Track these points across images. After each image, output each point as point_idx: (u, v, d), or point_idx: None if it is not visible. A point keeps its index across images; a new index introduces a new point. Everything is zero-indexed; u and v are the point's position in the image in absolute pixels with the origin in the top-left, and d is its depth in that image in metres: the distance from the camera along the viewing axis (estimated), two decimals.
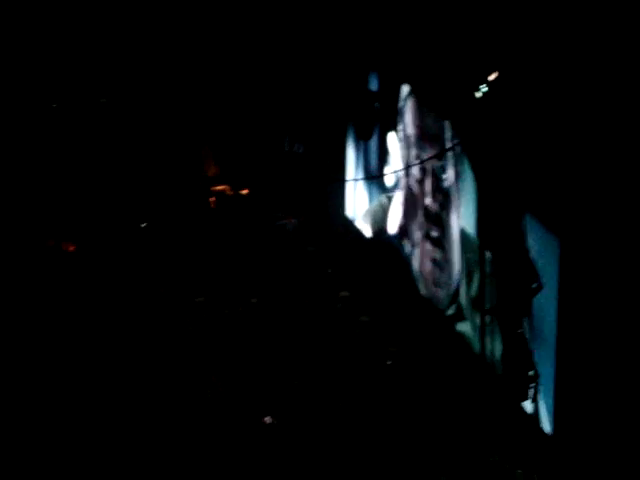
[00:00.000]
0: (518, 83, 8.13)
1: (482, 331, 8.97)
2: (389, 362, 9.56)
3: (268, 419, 8.53)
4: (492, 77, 8.59)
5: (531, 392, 8.49)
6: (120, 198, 11.90)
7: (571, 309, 7.90)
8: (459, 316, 9.61)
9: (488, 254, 8.78)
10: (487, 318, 8.86)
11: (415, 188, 10.33)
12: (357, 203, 11.78)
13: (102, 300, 10.29)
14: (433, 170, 9.96)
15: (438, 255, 10.05)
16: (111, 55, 12.28)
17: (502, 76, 8.28)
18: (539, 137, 7.95)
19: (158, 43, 12.23)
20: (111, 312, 10.06)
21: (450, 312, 9.69)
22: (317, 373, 9.22)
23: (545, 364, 8.28)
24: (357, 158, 11.71)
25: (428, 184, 10.11)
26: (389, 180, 10.90)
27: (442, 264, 9.97)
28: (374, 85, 11.01)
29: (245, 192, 12.13)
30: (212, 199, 12.09)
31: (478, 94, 8.58)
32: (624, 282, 7.30)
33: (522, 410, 8.41)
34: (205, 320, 10.11)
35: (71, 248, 11.22)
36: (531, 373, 8.50)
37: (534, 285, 8.50)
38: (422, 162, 10.08)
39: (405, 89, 10.27)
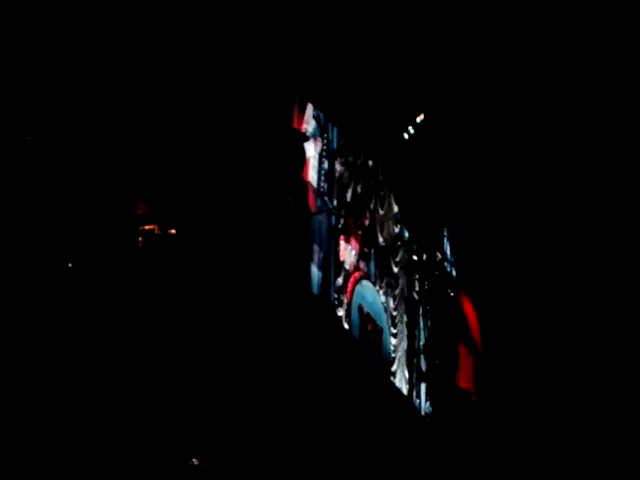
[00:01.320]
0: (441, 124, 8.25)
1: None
2: None
3: None
4: (419, 119, 8.71)
5: None
6: (46, 237, 11.73)
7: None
8: None
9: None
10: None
11: None
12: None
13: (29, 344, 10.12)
14: None
15: None
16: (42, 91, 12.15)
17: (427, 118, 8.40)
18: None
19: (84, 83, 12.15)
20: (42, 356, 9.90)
21: None
22: None
23: None
24: None
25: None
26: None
27: None
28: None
29: (173, 231, 12.05)
30: (140, 239, 11.98)
31: (406, 135, 8.68)
32: None
33: None
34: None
35: None
36: None
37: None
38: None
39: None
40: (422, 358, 9.43)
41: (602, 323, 7.77)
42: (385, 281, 10.22)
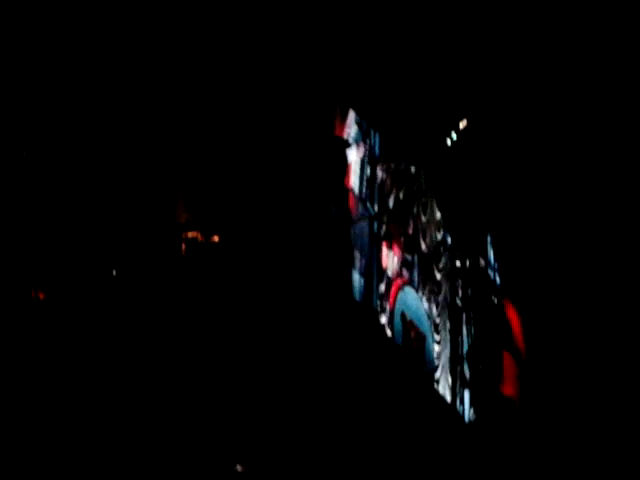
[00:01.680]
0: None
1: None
2: None
3: None
4: (462, 125, 8.68)
5: None
6: (91, 245, 11.84)
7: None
8: None
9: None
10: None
11: None
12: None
13: (72, 350, 10.23)
14: None
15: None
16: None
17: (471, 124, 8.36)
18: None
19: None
20: (82, 363, 10.00)
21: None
22: None
23: None
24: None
25: None
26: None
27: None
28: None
29: (216, 239, 12.11)
30: (183, 246, 12.05)
31: (448, 141, 8.65)
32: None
33: None
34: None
35: (41, 296, 11.13)
36: None
37: None
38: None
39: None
40: (465, 365, 9.36)
41: None
42: (428, 288, 10.18)
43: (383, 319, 10.64)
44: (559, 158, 7.82)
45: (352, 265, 11.06)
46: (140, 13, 11.61)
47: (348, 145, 10.89)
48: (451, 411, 9.22)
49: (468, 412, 9.24)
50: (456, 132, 8.90)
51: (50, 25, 11.64)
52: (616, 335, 7.14)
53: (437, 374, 9.76)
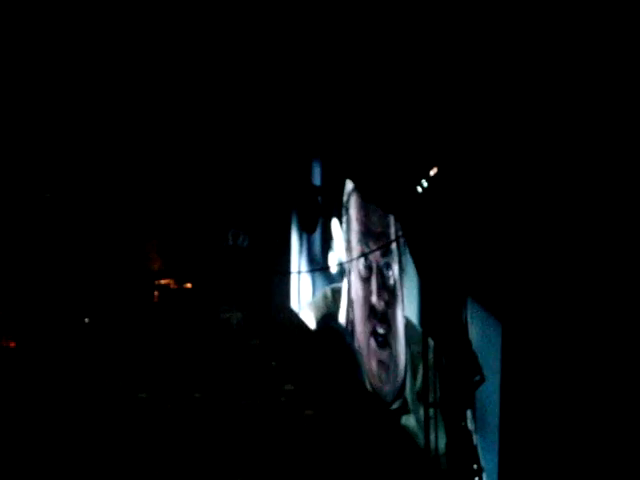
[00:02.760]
0: (457, 177, 8.28)
1: (426, 424, 8.96)
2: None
3: None
4: (432, 172, 8.75)
5: None
6: (63, 292, 11.81)
7: (514, 401, 7.95)
8: (404, 409, 9.60)
9: (432, 346, 8.84)
10: (431, 411, 8.86)
11: (361, 285, 10.36)
12: (302, 295, 11.82)
13: (42, 397, 10.14)
14: (378, 267, 10.03)
15: (384, 353, 10.07)
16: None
17: (442, 171, 8.45)
18: (479, 225, 8.08)
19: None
20: (51, 410, 9.91)
21: (395, 406, 9.68)
22: (261, 469, 9.15)
23: (489, 457, 8.30)
24: (301, 250, 11.80)
25: (374, 282, 10.16)
26: (333, 272, 10.98)
27: (388, 361, 9.99)
28: (317, 178, 11.16)
29: (189, 285, 12.13)
30: (156, 293, 12.06)
31: (419, 188, 8.71)
32: (565, 370, 7.39)
33: None
34: (147, 416, 10.00)
35: (12, 344, 11.07)
36: (475, 467, 8.51)
37: (477, 378, 8.55)
38: (366, 254, 10.16)
39: (349, 184, 10.42)
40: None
41: None
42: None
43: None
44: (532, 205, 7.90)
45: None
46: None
47: (320, 194, 10.99)
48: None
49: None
50: (427, 179, 8.97)
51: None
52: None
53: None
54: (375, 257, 10.03)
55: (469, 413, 8.78)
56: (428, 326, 9.14)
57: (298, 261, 11.82)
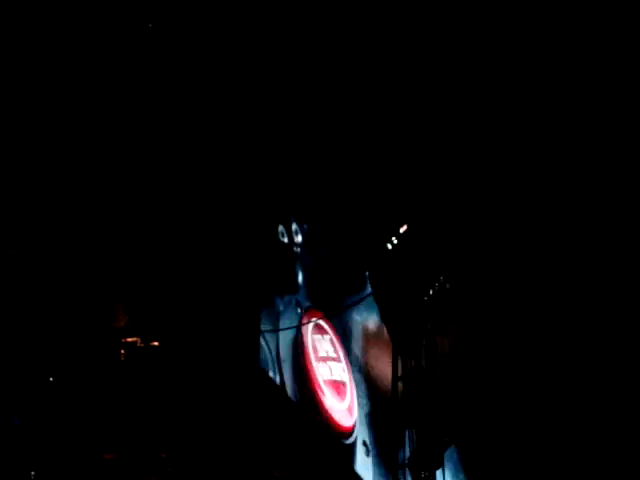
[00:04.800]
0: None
1: None
2: None
3: None
4: (402, 229, 8.81)
5: None
6: (27, 350, 11.63)
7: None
8: None
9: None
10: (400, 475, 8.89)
11: None
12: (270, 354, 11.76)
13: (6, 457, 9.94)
14: None
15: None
16: None
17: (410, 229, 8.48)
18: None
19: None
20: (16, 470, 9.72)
21: None
22: None
23: None
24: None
25: None
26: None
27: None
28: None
29: (156, 344, 11.99)
30: (122, 351, 11.91)
31: (389, 245, 8.75)
32: None
33: None
34: (114, 478, 9.87)
35: None
36: None
37: (445, 439, 8.60)
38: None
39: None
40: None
41: None
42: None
43: None
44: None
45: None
46: None
47: (292, 251, 10.99)
48: None
49: None
50: (396, 237, 9.02)
51: None
52: None
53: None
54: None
55: (439, 474, 8.81)
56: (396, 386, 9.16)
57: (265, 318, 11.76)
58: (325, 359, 11.23)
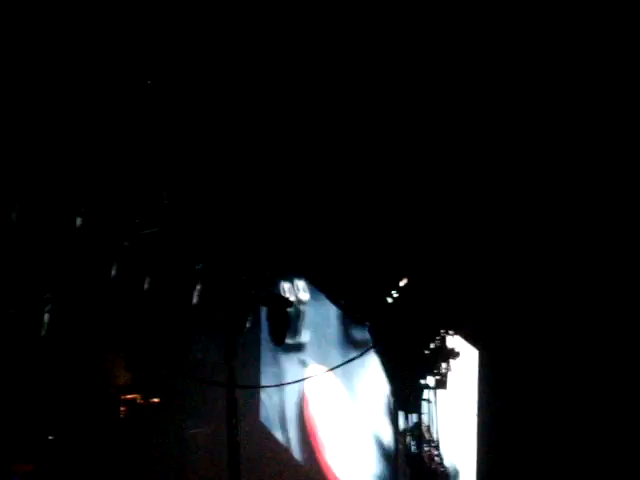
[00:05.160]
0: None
1: None
2: None
3: None
4: (402, 283, 8.81)
5: None
6: (27, 409, 11.57)
7: None
8: None
9: None
10: None
11: None
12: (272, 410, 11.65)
13: None
14: None
15: None
16: None
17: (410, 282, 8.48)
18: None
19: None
20: None
21: None
22: None
23: None
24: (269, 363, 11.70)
25: None
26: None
27: None
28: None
29: (156, 400, 11.92)
30: (123, 408, 11.84)
31: (390, 299, 8.74)
32: None
33: None
34: None
35: None
36: None
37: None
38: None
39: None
40: None
41: None
42: None
43: None
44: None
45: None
46: None
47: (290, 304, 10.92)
48: None
49: None
50: (397, 290, 8.99)
51: None
52: None
53: None
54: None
55: None
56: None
57: (267, 375, 11.68)
58: (329, 414, 11.13)
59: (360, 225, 10.06)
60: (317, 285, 10.90)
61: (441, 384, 10.17)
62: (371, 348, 10.08)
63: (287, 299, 11.10)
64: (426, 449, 9.52)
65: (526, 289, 8.33)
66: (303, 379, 10.98)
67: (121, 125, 10.79)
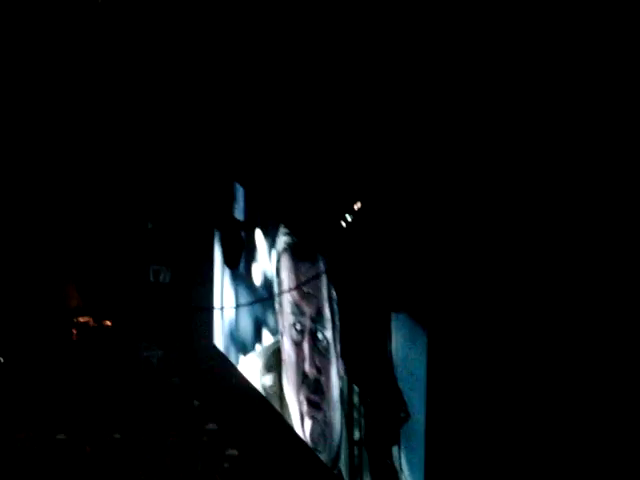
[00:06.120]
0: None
1: (351, 463, 8.86)
2: None
3: None
4: (356, 206, 8.71)
5: None
6: None
7: (439, 436, 7.89)
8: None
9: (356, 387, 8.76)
10: (356, 450, 8.76)
11: (293, 350, 10.16)
12: (225, 332, 11.64)
13: None
14: (310, 331, 9.85)
15: (316, 422, 9.82)
16: None
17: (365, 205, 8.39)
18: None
19: None
20: None
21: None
22: None
23: None
24: (225, 286, 11.64)
25: (306, 347, 9.95)
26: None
27: (321, 429, 9.73)
28: (240, 212, 11.03)
29: (108, 323, 11.89)
30: (74, 331, 11.81)
31: (344, 223, 8.65)
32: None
33: None
34: (66, 459, 9.78)
35: None
36: None
37: (402, 414, 8.48)
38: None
39: (279, 243, 10.27)
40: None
41: None
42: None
43: None
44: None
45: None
46: None
47: (243, 228, 10.87)
48: None
49: None
50: (351, 214, 8.88)
51: None
52: None
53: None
54: (307, 321, 9.87)
55: (395, 450, 8.71)
56: (351, 361, 9.05)
57: (221, 295, 11.64)
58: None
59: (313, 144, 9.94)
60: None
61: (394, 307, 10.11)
62: (322, 273, 9.98)
63: (241, 222, 11.08)
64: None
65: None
66: (255, 301, 10.96)
67: None
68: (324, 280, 9.46)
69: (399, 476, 8.52)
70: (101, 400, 10.89)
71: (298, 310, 10.06)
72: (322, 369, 9.77)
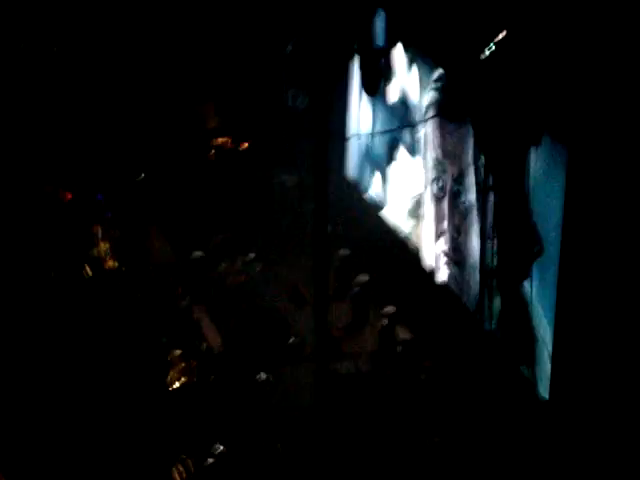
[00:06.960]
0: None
1: (482, 294, 8.87)
2: None
3: None
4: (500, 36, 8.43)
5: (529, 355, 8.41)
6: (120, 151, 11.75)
7: (573, 273, 7.77)
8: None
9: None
10: (489, 281, 8.74)
11: (434, 207, 10.20)
12: (361, 164, 11.58)
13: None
14: (452, 191, 9.78)
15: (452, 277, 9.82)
16: None
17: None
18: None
19: None
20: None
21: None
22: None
23: (544, 329, 8.19)
24: (363, 114, 11.52)
25: (446, 205, 9.95)
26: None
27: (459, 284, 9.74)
28: (381, 39, 10.79)
29: (245, 145, 11.90)
30: (212, 152, 11.89)
31: (484, 55, 8.40)
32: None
33: (521, 374, 8.35)
34: None
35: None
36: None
37: (536, 249, 8.39)
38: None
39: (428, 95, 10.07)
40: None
41: None
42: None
43: None
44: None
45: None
46: None
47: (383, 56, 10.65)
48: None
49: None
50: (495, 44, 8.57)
51: None
52: None
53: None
54: (448, 180, 9.78)
55: (526, 284, 8.68)
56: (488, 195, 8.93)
57: (357, 124, 11.52)
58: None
59: None
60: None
61: None
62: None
63: (382, 48, 10.83)
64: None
65: None
66: (393, 129, 10.80)
67: None
68: (470, 142, 9.32)
69: (529, 309, 8.52)
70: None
71: (441, 168, 10.02)
72: (461, 228, 9.77)
